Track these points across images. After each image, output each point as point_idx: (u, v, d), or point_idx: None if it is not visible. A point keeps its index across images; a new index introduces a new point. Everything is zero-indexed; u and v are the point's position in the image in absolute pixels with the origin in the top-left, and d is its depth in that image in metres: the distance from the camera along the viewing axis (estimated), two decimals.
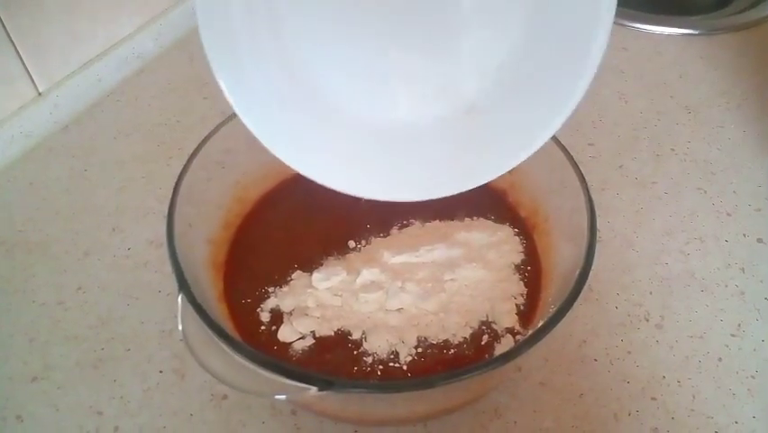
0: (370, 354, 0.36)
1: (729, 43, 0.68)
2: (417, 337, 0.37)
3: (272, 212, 0.44)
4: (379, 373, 0.35)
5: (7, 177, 0.53)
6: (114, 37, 0.62)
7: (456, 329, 0.37)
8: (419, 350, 0.36)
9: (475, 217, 0.43)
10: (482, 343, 0.37)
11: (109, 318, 0.43)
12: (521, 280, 0.40)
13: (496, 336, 0.37)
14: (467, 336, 0.37)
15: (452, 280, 0.39)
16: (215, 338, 0.29)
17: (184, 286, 0.31)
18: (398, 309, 0.38)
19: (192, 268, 0.34)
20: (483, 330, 0.37)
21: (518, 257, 0.41)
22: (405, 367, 0.35)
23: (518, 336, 0.37)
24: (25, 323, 0.43)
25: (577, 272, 0.33)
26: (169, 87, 0.62)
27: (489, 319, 0.38)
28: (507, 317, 0.38)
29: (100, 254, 0.47)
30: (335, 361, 0.36)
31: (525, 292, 0.39)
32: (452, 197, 0.45)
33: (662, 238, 0.49)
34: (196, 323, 0.30)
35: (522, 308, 0.38)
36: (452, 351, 0.36)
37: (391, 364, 0.36)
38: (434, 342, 0.37)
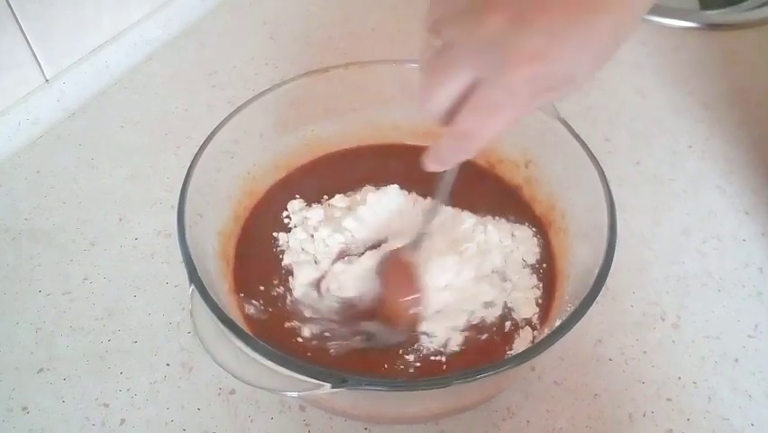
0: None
1: (749, 39, 0.66)
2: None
3: (282, 204, 0.43)
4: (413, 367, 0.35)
5: (14, 164, 0.52)
6: (122, 24, 0.61)
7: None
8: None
9: (496, 217, 0.42)
10: (505, 330, 0.36)
11: (116, 310, 0.42)
12: (539, 280, 0.39)
13: (516, 327, 0.37)
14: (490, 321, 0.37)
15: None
16: (227, 332, 0.29)
17: (195, 278, 0.30)
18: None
19: (202, 259, 0.34)
20: (505, 316, 0.37)
21: (533, 257, 0.40)
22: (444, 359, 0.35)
23: (536, 332, 0.37)
24: (31, 313, 0.42)
25: (596, 272, 0.32)
26: (176, 74, 0.61)
27: (509, 305, 0.37)
28: (526, 308, 0.37)
29: (107, 244, 0.47)
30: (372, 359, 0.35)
31: (541, 285, 0.39)
32: (467, 192, 0.45)
33: (680, 237, 0.48)
34: (206, 316, 0.29)
35: (540, 301, 0.38)
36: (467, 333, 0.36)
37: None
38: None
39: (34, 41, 0.53)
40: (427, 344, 0.36)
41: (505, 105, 0.26)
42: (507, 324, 0.37)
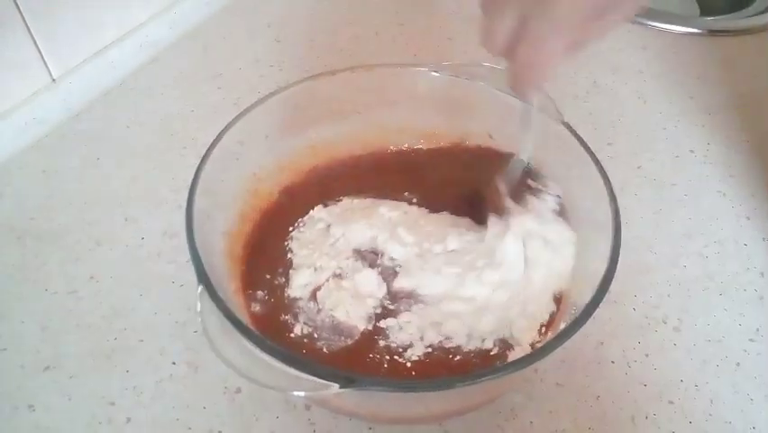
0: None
1: (749, 45, 0.67)
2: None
3: (290, 205, 0.43)
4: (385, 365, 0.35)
5: (19, 164, 0.53)
6: (128, 24, 0.61)
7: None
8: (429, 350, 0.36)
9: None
10: (490, 354, 0.36)
11: (122, 309, 0.43)
12: (555, 303, 0.38)
13: (508, 345, 0.36)
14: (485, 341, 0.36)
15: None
16: (236, 332, 0.29)
17: (204, 278, 0.31)
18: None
19: (210, 259, 0.34)
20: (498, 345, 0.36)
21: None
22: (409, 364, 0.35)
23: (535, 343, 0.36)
24: (37, 311, 0.42)
25: (600, 276, 0.32)
26: (182, 76, 0.61)
27: (506, 336, 0.36)
28: (527, 334, 0.36)
29: (112, 244, 0.47)
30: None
31: (555, 309, 0.37)
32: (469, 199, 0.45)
33: (681, 240, 0.48)
34: (215, 315, 0.30)
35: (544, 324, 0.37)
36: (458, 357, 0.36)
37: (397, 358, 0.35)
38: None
39: (41, 41, 0.53)
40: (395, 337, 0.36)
41: (552, 34, 0.29)
42: (495, 349, 0.36)
